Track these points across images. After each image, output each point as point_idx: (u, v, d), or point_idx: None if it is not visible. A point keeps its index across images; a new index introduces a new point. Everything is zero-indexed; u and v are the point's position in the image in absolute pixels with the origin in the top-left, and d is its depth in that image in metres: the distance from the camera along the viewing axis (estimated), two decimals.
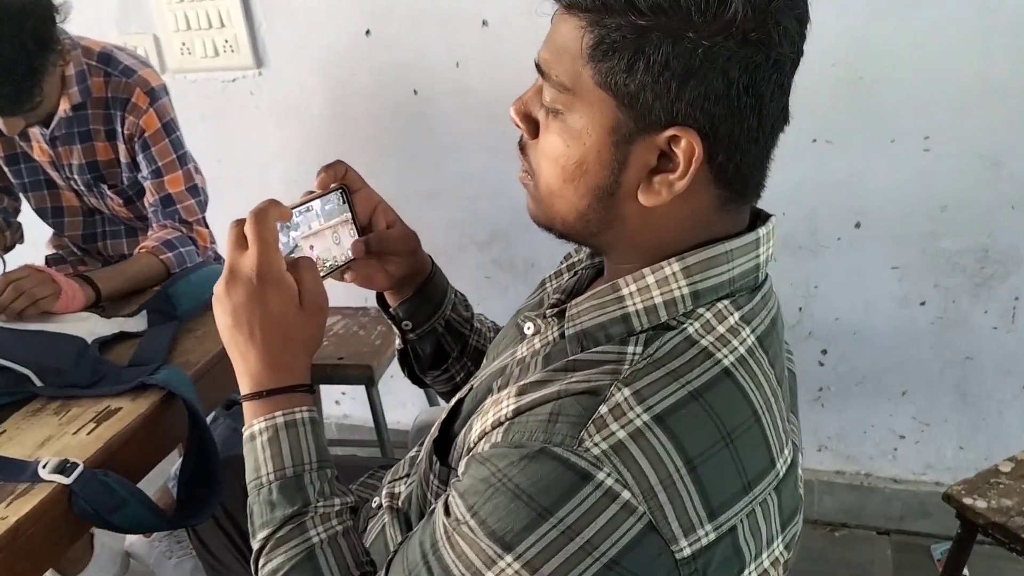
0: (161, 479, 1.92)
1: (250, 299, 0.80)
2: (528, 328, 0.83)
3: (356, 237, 0.94)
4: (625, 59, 0.65)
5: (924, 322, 1.83)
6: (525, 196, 0.79)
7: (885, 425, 1.97)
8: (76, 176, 1.71)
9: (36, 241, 1.93)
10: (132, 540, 1.90)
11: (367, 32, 1.95)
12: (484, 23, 1.85)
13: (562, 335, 0.78)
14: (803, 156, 1.73)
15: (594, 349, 0.72)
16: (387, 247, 0.96)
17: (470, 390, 0.85)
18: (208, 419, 1.24)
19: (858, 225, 1.79)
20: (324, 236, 0.91)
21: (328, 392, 2.49)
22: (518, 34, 1.82)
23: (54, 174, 1.74)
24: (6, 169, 1.74)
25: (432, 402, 2.12)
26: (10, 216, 1.80)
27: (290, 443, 0.81)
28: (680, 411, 0.65)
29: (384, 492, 0.96)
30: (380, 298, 1.05)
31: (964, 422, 1.91)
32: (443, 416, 0.85)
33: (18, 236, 1.82)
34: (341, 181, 0.93)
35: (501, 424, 0.70)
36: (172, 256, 1.58)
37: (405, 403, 2.37)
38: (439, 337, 1.06)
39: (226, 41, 2.05)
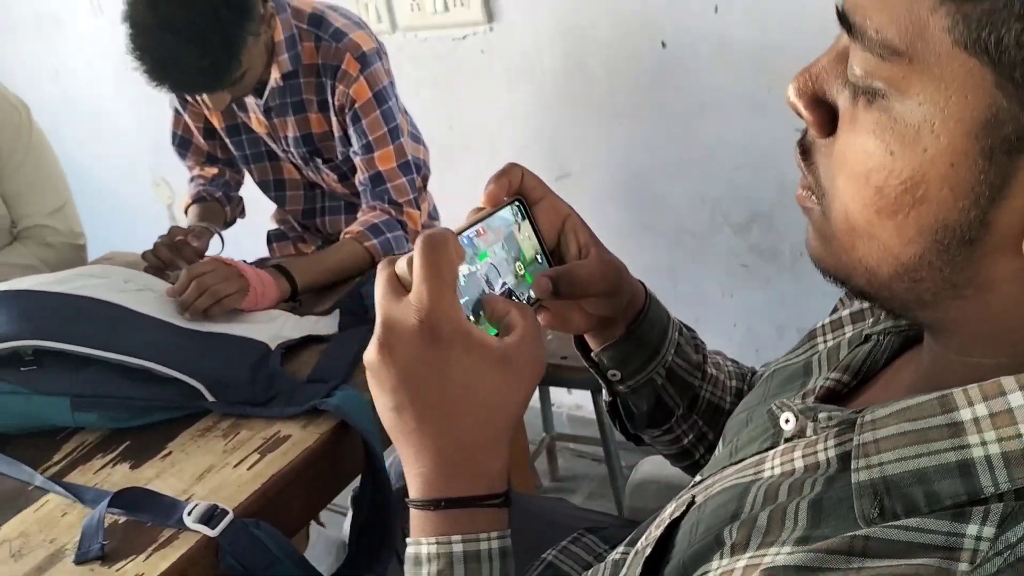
0: None
1: (421, 364, 0.55)
2: (787, 423, 0.53)
3: (542, 261, 0.68)
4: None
5: None
6: (805, 223, 0.50)
7: None
8: (292, 149, 1.59)
9: (264, 211, 1.87)
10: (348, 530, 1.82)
11: None
12: None
13: (843, 460, 0.47)
14: None
15: (905, 520, 0.41)
16: (580, 286, 0.68)
17: (690, 505, 0.57)
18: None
19: None
20: (500, 266, 0.65)
21: None
22: None
23: (274, 146, 1.64)
24: (228, 140, 1.66)
25: None
26: (231, 190, 1.74)
27: None
28: None
29: None
30: (579, 340, 0.78)
31: None
32: (658, 535, 0.56)
33: (239, 210, 1.75)
34: (517, 191, 0.66)
35: None
36: (377, 243, 1.41)
37: None
38: (658, 390, 0.77)
39: None
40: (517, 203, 0.65)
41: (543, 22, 1.79)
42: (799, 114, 0.47)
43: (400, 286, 0.57)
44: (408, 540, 0.59)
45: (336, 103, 1.47)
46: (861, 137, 0.43)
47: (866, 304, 0.65)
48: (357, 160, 1.49)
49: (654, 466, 1.05)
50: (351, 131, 1.48)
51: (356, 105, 1.45)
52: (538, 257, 0.67)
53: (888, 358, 0.57)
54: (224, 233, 1.63)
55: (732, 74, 1.61)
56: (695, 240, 1.80)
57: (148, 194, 2.84)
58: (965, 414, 0.41)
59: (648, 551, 0.56)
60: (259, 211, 1.85)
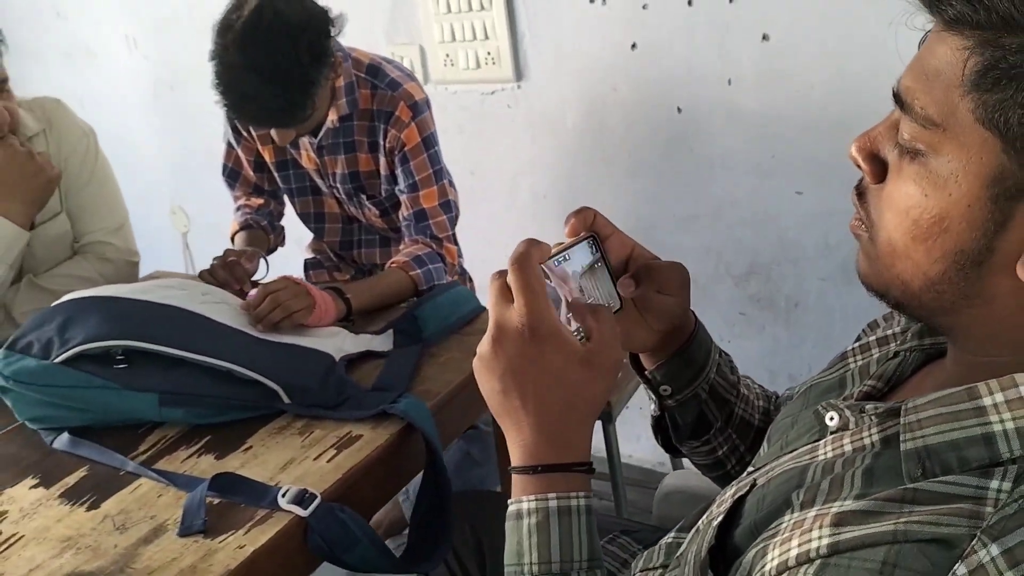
0: None
1: (523, 358, 0.70)
2: (831, 419, 0.67)
3: (613, 288, 0.82)
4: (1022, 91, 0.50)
5: None
6: (856, 249, 0.65)
7: None
8: (339, 185, 1.73)
9: (300, 242, 1.99)
10: None
11: (632, 46, 1.83)
12: (764, 37, 1.67)
13: (886, 441, 0.61)
14: None
15: (942, 477, 0.55)
16: (658, 278, 0.81)
17: (751, 487, 0.70)
18: None
19: None
20: (579, 289, 0.79)
21: None
22: (803, 50, 1.62)
23: (319, 181, 1.78)
24: (276, 174, 1.80)
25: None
26: (275, 220, 1.87)
27: (560, 533, 0.69)
28: None
29: None
30: (635, 360, 0.92)
31: None
32: (723, 514, 0.70)
33: (280, 239, 1.88)
34: (591, 228, 0.80)
35: (811, 561, 0.55)
36: (421, 273, 1.54)
37: (640, 436, 2.24)
38: (701, 404, 0.91)
39: (488, 53, 2.02)
40: (592, 238, 0.80)
41: (568, 82, 1.96)
42: (859, 165, 0.62)
43: (509, 294, 0.72)
44: (510, 501, 0.72)
45: (387, 145, 1.62)
46: (905, 184, 0.58)
47: (889, 331, 0.80)
48: (403, 197, 1.63)
49: (679, 479, 1.19)
50: (399, 171, 1.63)
51: (406, 148, 1.60)
52: (607, 283, 0.81)
53: (913, 370, 0.72)
54: (268, 259, 1.75)
55: (740, 140, 1.79)
56: (698, 289, 1.93)
57: (165, 221, 2.94)
58: (987, 401, 0.56)
59: (719, 519, 0.70)
60: (293, 241, 1.97)
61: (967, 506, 0.52)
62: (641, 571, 0.86)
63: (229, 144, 1.81)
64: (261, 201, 1.84)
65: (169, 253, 2.96)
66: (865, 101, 1.55)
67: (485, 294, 0.77)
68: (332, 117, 1.61)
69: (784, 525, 0.61)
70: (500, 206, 2.15)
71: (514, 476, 0.72)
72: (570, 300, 0.77)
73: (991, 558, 0.48)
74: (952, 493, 0.53)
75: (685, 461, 1.38)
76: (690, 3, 1.73)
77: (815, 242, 1.76)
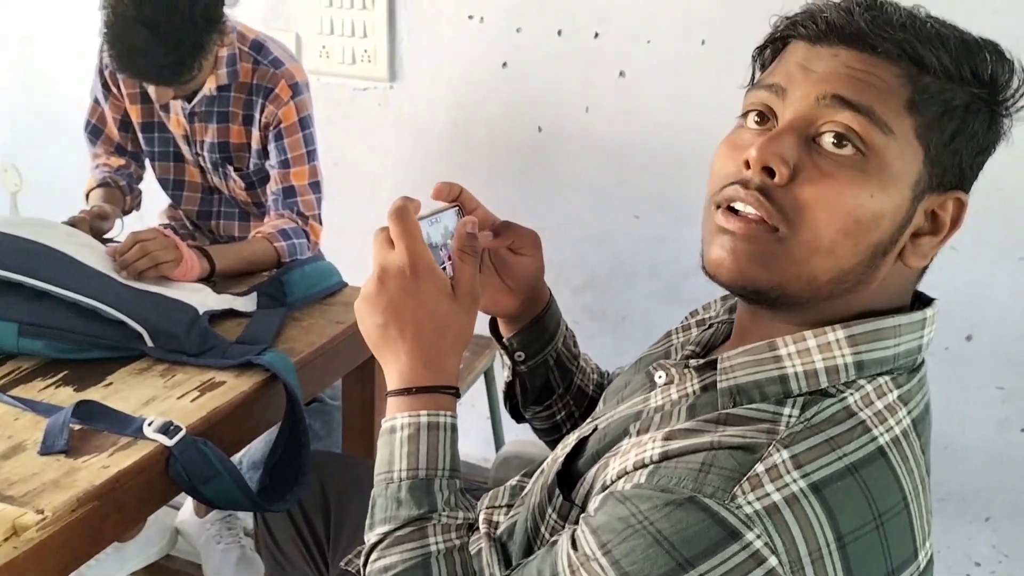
0: None
1: (404, 292, 0.79)
2: (660, 377, 0.82)
3: None
4: (946, 121, 0.67)
5: (1022, 449, 1.76)
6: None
7: (961, 548, 1.89)
8: (205, 153, 1.75)
9: (147, 213, 1.98)
10: (184, 518, 1.91)
11: (504, 64, 1.98)
12: (621, 74, 1.87)
13: (705, 388, 0.76)
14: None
15: (748, 405, 0.70)
16: (514, 236, 0.93)
17: (594, 430, 0.84)
18: None
19: (969, 338, 1.74)
20: (442, 253, 0.90)
21: None
22: (656, 89, 1.83)
23: (184, 148, 1.79)
24: (140, 135, 1.79)
25: (499, 437, 2.11)
26: (133, 182, 1.85)
27: (428, 444, 0.80)
28: (836, 483, 0.63)
29: (481, 518, 0.95)
30: (493, 328, 1.04)
31: None
32: (567, 451, 0.83)
33: (137, 202, 1.86)
34: (457, 201, 0.92)
35: (645, 466, 0.68)
36: (285, 245, 1.60)
37: (468, 432, 2.35)
38: (548, 371, 1.05)
39: (365, 51, 2.10)
40: (457, 209, 0.92)
41: (440, 90, 2.08)
42: (767, 169, 0.67)
43: (391, 245, 0.81)
44: (384, 420, 0.82)
45: (263, 120, 1.67)
46: (848, 185, 0.66)
47: (706, 315, 0.96)
48: (273, 172, 1.68)
49: (517, 446, 1.31)
50: (271, 146, 1.68)
51: (282, 125, 1.66)
52: None
53: (724, 339, 0.88)
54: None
55: (591, 163, 1.97)
56: None
57: None
58: (783, 351, 0.72)
59: (563, 456, 0.82)
60: (154, 206, 1.96)
61: (766, 425, 0.67)
62: (487, 508, 0.98)
63: (96, 100, 1.79)
64: (122, 162, 1.83)
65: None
66: (702, 140, 1.76)
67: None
68: (210, 85, 1.65)
69: (623, 447, 0.75)
70: (359, 201, 2.22)
71: (389, 400, 0.82)
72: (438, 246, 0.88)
73: (782, 460, 0.63)
74: (755, 417, 0.68)
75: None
76: (560, 33, 1.90)
77: (646, 262, 1.96)
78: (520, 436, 1.59)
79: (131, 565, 1.80)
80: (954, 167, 0.69)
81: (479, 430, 2.31)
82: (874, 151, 0.66)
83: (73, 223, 1.51)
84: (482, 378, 2.01)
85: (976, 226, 1.62)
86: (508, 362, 1.05)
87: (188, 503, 1.91)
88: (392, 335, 0.81)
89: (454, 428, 0.82)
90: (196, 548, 1.86)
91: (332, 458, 1.35)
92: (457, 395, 0.83)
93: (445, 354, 0.82)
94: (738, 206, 0.70)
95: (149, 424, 1.03)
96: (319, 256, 1.66)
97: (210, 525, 1.85)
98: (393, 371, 0.82)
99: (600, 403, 0.96)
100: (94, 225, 1.53)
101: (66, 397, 1.11)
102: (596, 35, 1.87)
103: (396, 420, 0.81)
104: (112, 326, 1.20)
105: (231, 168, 1.76)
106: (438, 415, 0.81)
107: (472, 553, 0.91)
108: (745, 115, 0.74)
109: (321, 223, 1.74)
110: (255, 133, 1.70)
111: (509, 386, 1.08)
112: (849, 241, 0.67)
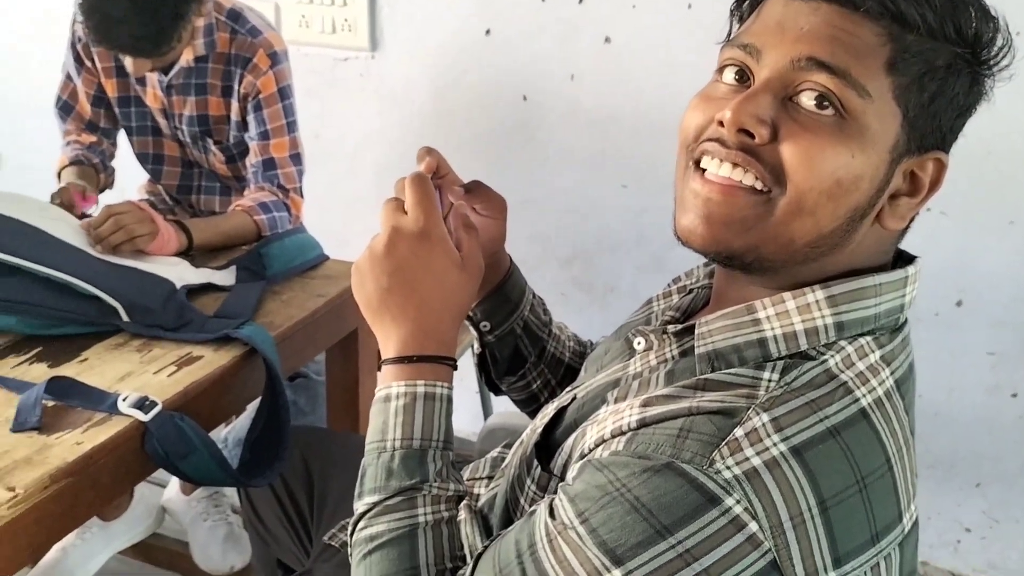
0: None
1: (416, 258, 0.78)
2: (639, 344, 0.80)
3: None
4: (927, 82, 0.65)
5: (1012, 415, 1.75)
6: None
7: (951, 515, 1.89)
8: (184, 127, 1.72)
9: (127, 188, 1.94)
10: (170, 496, 1.90)
11: (487, 32, 1.95)
12: (607, 39, 1.83)
13: (683, 353, 0.74)
14: (914, 223, 1.67)
15: (727, 370, 0.68)
16: (482, 196, 0.92)
17: (573, 399, 0.82)
18: None
19: (959, 303, 1.72)
20: None
21: None
22: (641, 55, 1.80)
23: (162, 121, 1.75)
24: (117, 110, 1.76)
25: (487, 411, 2.09)
26: (106, 160, 1.81)
27: (424, 415, 0.78)
28: (818, 446, 0.62)
29: None
30: None
31: None
32: (545, 422, 0.81)
33: (111, 180, 1.82)
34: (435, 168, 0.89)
35: (623, 433, 0.66)
36: (265, 219, 1.57)
37: (457, 406, 2.33)
38: (517, 340, 1.03)
39: (345, 20, 2.06)
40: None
41: (422, 59, 2.04)
42: (747, 131, 0.65)
43: (403, 207, 0.80)
44: (378, 388, 0.80)
45: (241, 91, 1.63)
46: (831, 146, 0.64)
47: (688, 282, 0.94)
48: (253, 144, 1.65)
49: (501, 418, 1.30)
50: (251, 118, 1.65)
51: (261, 95, 1.62)
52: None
53: (704, 304, 0.86)
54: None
55: (576, 133, 1.94)
56: (526, 269, 2.06)
57: None
58: (762, 314, 0.70)
59: (541, 426, 0.81)
60: (131, 182, 1.93)
61: (745, 390, 0.65)
62: (468, 480, 0.96)
63: (68, 76, 1.75)
64: (94, 139, 1.79)
65: None
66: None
67: None
68: (188, 57, 1.61)
69: (601, 415, 0.73)
70: (340, 173, 2.19)
71: (385, 367, 0.80)
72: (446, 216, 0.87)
73: (762, 424, 0.62)
74: (734, 382, 0.67)
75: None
76: None
77: (634, 233, 1.94)
78: (508, 408, 1.58)
79: (117, 544, 1.78)
80: (934, 129, 0.67)
81: (468, 404, 2.30)
82: (852, 114, 0.64)
83: (61, 198, 1.48)
84: (469, 351, 1.99)
85: (966, 191, 1.63)
86: (475, 333, 1.03)
87: (174, 481, 1.89)
88: (396, 301, 0.79)
89: (450, 400, 0.80)
90: (183, 526, 1.85)
91: (315, 433, 1.33)
92: (455, 366, 0.81)
93: (447, 324, 0.81)
94: (711, 165, 0.68)
95: (124, 399, 1.01)
96: (301, 229, 1.64)
97: (196, 503, 1.84)
98: (393, 338, 0.80)
99: (581, 372, 0.95)
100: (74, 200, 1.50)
101: (40, 373, 1.09)
102: (580, 0, 1.84)
103: (391, 389, 0.79)
104: (87, 301, 1.17)
105: (211, 141, 1.73)
106: (435, 385, 0.79)
107: None
108: (721, 70, 0.72)
109: (302, 196, 1.71)
110: (234, 104, 1.66)
111: (480, 357, 1.06)
112: (831, 204, 0.65)
